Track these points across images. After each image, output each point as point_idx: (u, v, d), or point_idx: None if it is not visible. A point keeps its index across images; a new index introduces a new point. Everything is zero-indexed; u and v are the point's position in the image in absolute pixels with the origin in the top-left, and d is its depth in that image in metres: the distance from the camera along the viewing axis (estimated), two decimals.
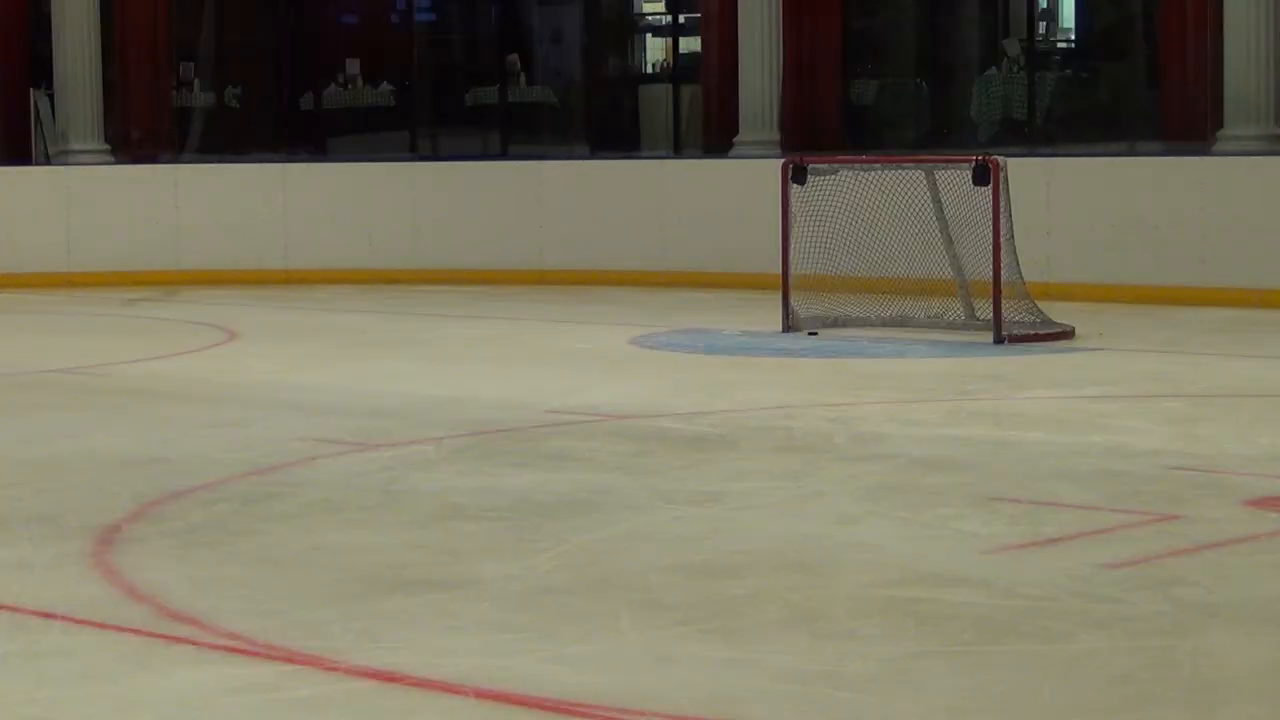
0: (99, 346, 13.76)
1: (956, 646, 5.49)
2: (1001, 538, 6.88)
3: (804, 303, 13.81)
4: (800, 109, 18.02)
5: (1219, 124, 15.87)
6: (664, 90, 20.92)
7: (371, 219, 18.64)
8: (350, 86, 21.95)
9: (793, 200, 13.79)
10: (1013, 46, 18.92)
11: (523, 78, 21.54)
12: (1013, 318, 13.00)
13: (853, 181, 13.91)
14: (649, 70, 22.53)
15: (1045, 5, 20.28)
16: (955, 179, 13.36)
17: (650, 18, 23.02)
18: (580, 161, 19.50)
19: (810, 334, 13.55)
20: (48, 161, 20.12)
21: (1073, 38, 20.57)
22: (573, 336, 14.06)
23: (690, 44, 20.63)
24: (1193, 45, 16.35)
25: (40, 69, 20.34)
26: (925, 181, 13.59)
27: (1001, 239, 12.95)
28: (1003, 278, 12.91)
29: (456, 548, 6.89)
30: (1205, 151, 15.85)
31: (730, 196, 17.29)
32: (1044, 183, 15.73)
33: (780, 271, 13.74)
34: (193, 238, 18.71)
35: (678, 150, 19.85)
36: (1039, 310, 13.25)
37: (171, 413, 10.42)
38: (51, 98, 20.26)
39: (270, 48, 22.47)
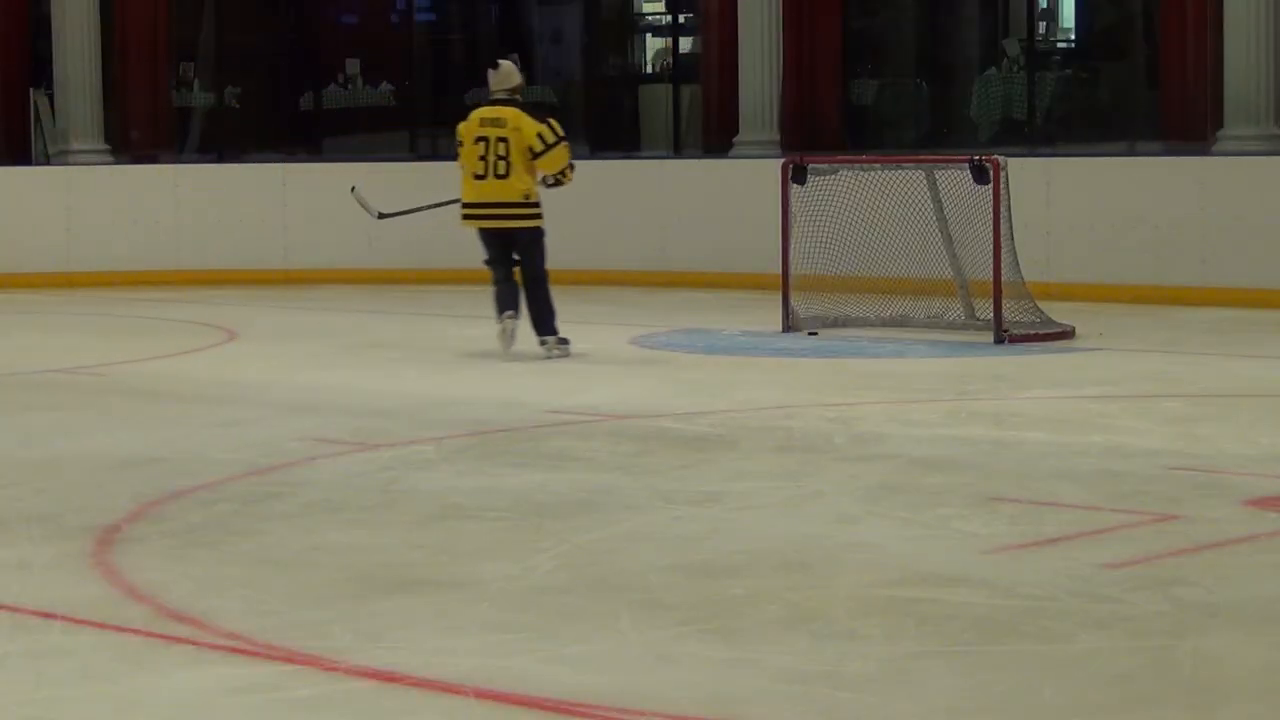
0: (99, 346, 13.76)
1: (956, 646, 5.50)
2: (1001, 538, 6.88)
3: (804, 303, 13.82)
4: (800, 109, 18.02)
5: (1219, 124, 15.87)
6: (664, 90, 20.92)
7: (371, 219, 18.61)
8: (350, 86, 21.95)
9: (793, 200, 13.79)
10: (1013, 46, 18.92)
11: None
12: (1013, 318, 13.00)
13: (853, 181, 13.91)
14: (649, 70, 22.53)
15: (1045, 5, 20.28)
16: (955, 179, 13.36)
17: (650, 18, 23.01)
18: (580, 161, 19.46)
19: (810, 334, 13.55)
20: (48, 161, 20.13)
21: (1073, 38, 20.57)
22: (573, 336, 14.05)
23: (690, 44, 20.63)
24: (1193, 45, 16.35)
25: (40, 69, 20.35)
26: (925, 181, 13.60)
27: (1001, 239, 12.96)
28: (1003, 278, 12.91)
29: (456, 548, 6.89)
30: (1205, 151, 15.84)
31: (730, 196, 17.29)
32: (1044, 183, 15.73)
33: (780, 271, 13.74)
34: (193, 238, 18.72)
35: (678, 150, 19.85)
36: (1039, 310, 13.25)
37: (171, 413, 10.43)
38: (51, 98, 20.27)
39: (270, 48, 22.47)
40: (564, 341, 12.52)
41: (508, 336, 12.54)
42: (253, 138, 21.69)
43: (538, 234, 12.56)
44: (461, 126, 12.64)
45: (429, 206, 14.01)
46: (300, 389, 11.36)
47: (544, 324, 12.51)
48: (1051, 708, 4.94)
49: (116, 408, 10.66)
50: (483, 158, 12.42)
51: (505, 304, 12.60)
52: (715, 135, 18.66)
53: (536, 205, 12.53)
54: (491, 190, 12.44)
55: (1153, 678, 5.20)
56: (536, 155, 12.42)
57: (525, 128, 12.42)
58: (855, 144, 18.12)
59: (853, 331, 13.59)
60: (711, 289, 16.79)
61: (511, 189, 12.40)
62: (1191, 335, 13.43)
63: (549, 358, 12.37)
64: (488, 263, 12.68)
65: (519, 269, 12.58)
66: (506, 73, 12.67)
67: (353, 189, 14.35)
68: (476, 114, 12.63)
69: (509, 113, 12.50)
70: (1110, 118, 18.85)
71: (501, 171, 12.38)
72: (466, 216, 12.64)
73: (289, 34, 22.48)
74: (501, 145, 12.38)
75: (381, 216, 14.22)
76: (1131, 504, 7.41)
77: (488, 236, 12.62)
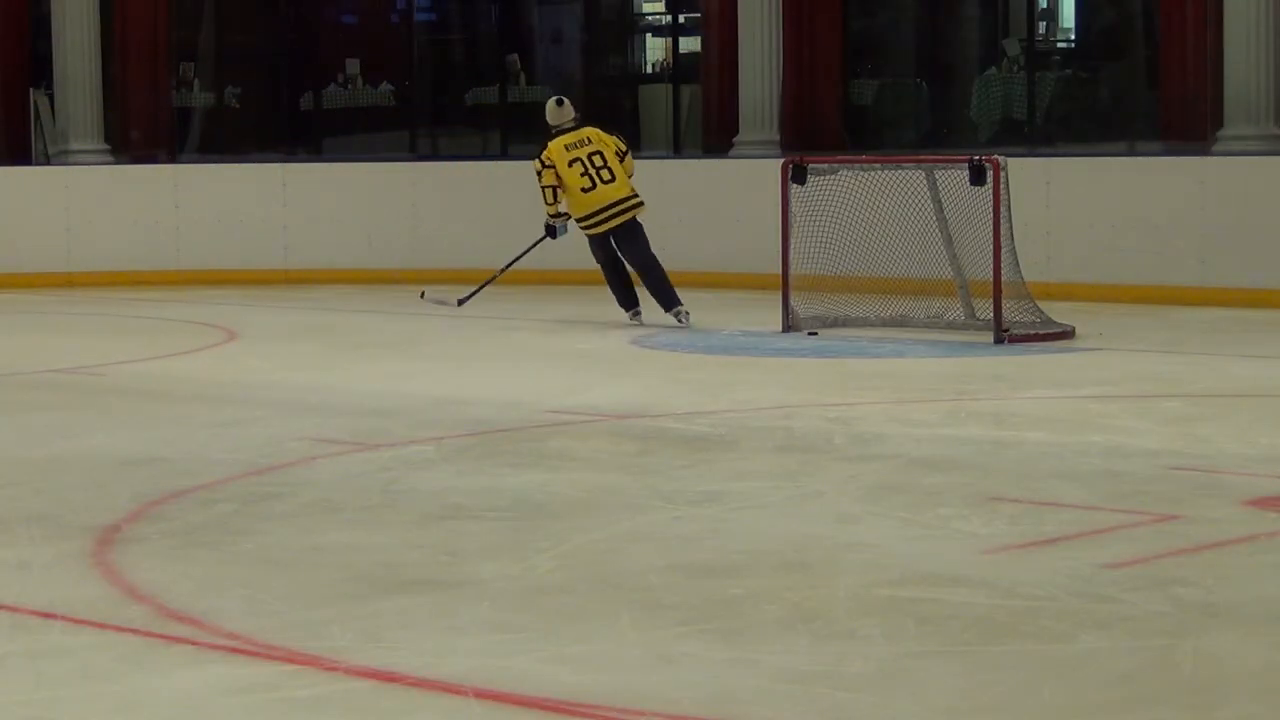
0: (99, 346, 13.76)
1: (956, 646, 5.50)
2: (1001, 538, 6.88)
3: (804, 303, 13.81)
4: (800, 109, 18.02)
5: (1219, 124, 15.87)
6: (664, 90, 20.92)
7: (371, 219, 18.64)
8: (350, 86, 21.95)
9: (793, 200, 13.78)
10: (1013, 46, 18.91)
11: (523, 78, 21.54)
12: (1013, 318, 13.00)
13: (853, 181, 13.90)
14: (649, 70, 22.53)
15: (1045, 5, 20.28)
16: (955, 179, 13.35)
17: (650, 18, 23.02)
18: None
19: (810, 334, 13.55)
20: (48, 161, 20.12)
21: (1073, 38, 20.57)
22: (573, 336, 14.06)
23: (690, 44, 20.63)
24: (1193, 45, 16.35)
25: (40, 69, 20.34)
26: (925, 181, 13.59)
27: (1001, 239, 12.95)
28: (1003, 278, 12.91)
29: (456, 548, 6.89)
30: (1205, 151, 15.84)
31: (730, 196, 17.29)
32: (1044, 183, 15.73)
33: (780, 271, 13.74)
34: (193, 238, 18.72)
35: (678, 150, 19.84)
36: (1039, 310, 13.24)
37: (171, 413, 10.42)
38: (51, 98, 20.26)
39: (270, 48, 22.47)
40: (687, 311, 14.24)
41: (639, 322, 14.36)
42: (253, 138, 21.69)
43: (639, 223, 14.30)
44: (548, 156, 14.23)
45: (500, 273, 15.21)
46: (300, 389, 11.36)
47: (669, 299, 14.23)
48: (1051, 708, 4.94)
49: (116, 408, 10.66)
50: (585, 173, 14.19)
51: (632, 301, 14.47)
52: (715, 135, 18.66)
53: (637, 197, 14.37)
54: (606, 194, 14.22)
55: (1153, 678, 5.20)
56: (621, 159, 14.32)
57: (606, 138, 14.37)
58: (855, 144, 18.12)
59: (853, 331, 13.59)
60: (711, 289, 16.78)
61: (621, 186, 14.25)
62: (1191, 335, 13.43)
63: (684, 325, 14.06)
64: (603, 264, 14.44)
65: (628, 260, 14.37)
66: (568, 106, 14.51)
67: (422, 294, 15.64)
68: (558, 143, 14.27)
69: (587, 131, 14.37)
70: (1110, 118, 18.84)
71: (608, 178, 14.21)
72: (594, 225, 14.29)
73: (289, 34, 22.47)
74: (598, 157, 14.24)
75: (460, 303, 15.30)
76: (1131, 504, 7.41)
77: (600, 240, 14.31)
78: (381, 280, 18.01)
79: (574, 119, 14.41)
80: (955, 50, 20.42)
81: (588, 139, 14.30)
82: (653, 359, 12.63)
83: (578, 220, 14.33)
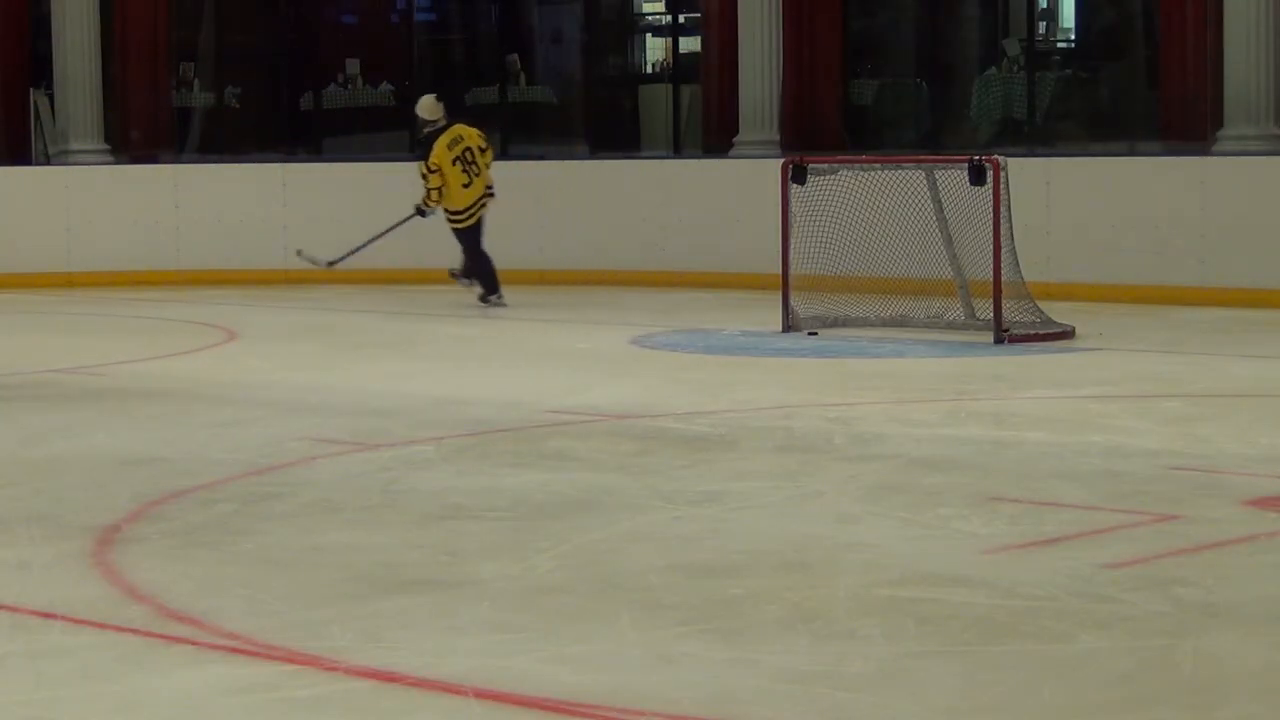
0: (99, 346, 13.76)
1: (956, 646, 5.50)
2: (1001, 538, 6.88)
3: (804, 303, 13.81)
4: (800, 109, 18.02)
5: (1219, 124, 15.87)
6: (664, 90, 20.92)
7: (371, 219, 18.61)
8: (350, 86, 21.95)
9: (793, 200, 13.79)
10: (1013, 46, 18.91)
11: (523, 78, 21.54)
12: (1013, 318, 13.00)
13: (853, 181, 13.91)
14: (649, 70, 22.53)
15: (1045, 5, 20.28)
16: (955, 179, 13.36)
17: (650, 18, 23.01)
18: (580, 161, 19.49)
19: (810, 334, 13.55)
20: (48, 161, 20.12)
21: (1073, 38, 20.57)
22: (573, 336, 14.07)
23: (690, 44, 20.63)
24: (1193, 45, 16.35)
25: (40, 69, 20.34)
26: (925, 181, 13.59)
27: (1001, 239, 12.95)
28: (1003, 278, 12.91)
29: (456, 548, 6.89)
30: (1205, 151, 15.84)
31: (730, 196, 17.29)
32: (1044, 183, 15.73)
33: (780, 271, 13.74)
34: (193, 238, 18.72)
35: (678, 150, 19.84)
36: (1039, 310, 13.25)
37: (171, 413, 10.42)
38: (51, 98, 20.26)
39: (270, 48, 22.47)
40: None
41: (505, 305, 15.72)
42: (253, 138, 21.69)
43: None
44: (435, 161, 15.68)
45: (369, 242, 16.44)
46: (300, 389, 11.36)
47: (496, 286, 15.88)
48: (1051, 708, 4.94)
49: (116, 408, 10.66)
50: (464, 170, 15.70)
51: (497, 285, 15.81)
52: (715, 135, 18.66)
53: None
54: (477, 187, 15.77)
55: (1153, 678, 5.20)
56: (483, 152, 15.84)
57: (470, 132, 15.92)
58: (855, 144, 18.12)
59: (853, 331, 13.59)
60: (711, 289, 16.79)
61: (484, 180, 15.84)
62: (1191, 335, 13.43)
63: (487, 304, 15.78)
64: (474, 252, 15.78)
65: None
66: (442, 105, 16.12)
67: (299, 252, 16.94)
68: (441, 145, 15.72)
69: (458, 129, 15.90)
70: (1110, 118, 18.84)
71: (477, 172, 15.77)
72: (469, 217, 15.75)
73: (289, 34, 22.47)
74: (469, 154, 15.75)
75: (331, 264, 16.64)
76: (1131, 504, 7.41)
77: (474, 230, 15.78)
78: (381, 280, 18.00)
79: (444, 116, 15.95)
80: (955, 50, 20.42)
81: (460, 136, 15.80)
82: (653, 359, 12.63)
83: (455, 213, 15.72)
